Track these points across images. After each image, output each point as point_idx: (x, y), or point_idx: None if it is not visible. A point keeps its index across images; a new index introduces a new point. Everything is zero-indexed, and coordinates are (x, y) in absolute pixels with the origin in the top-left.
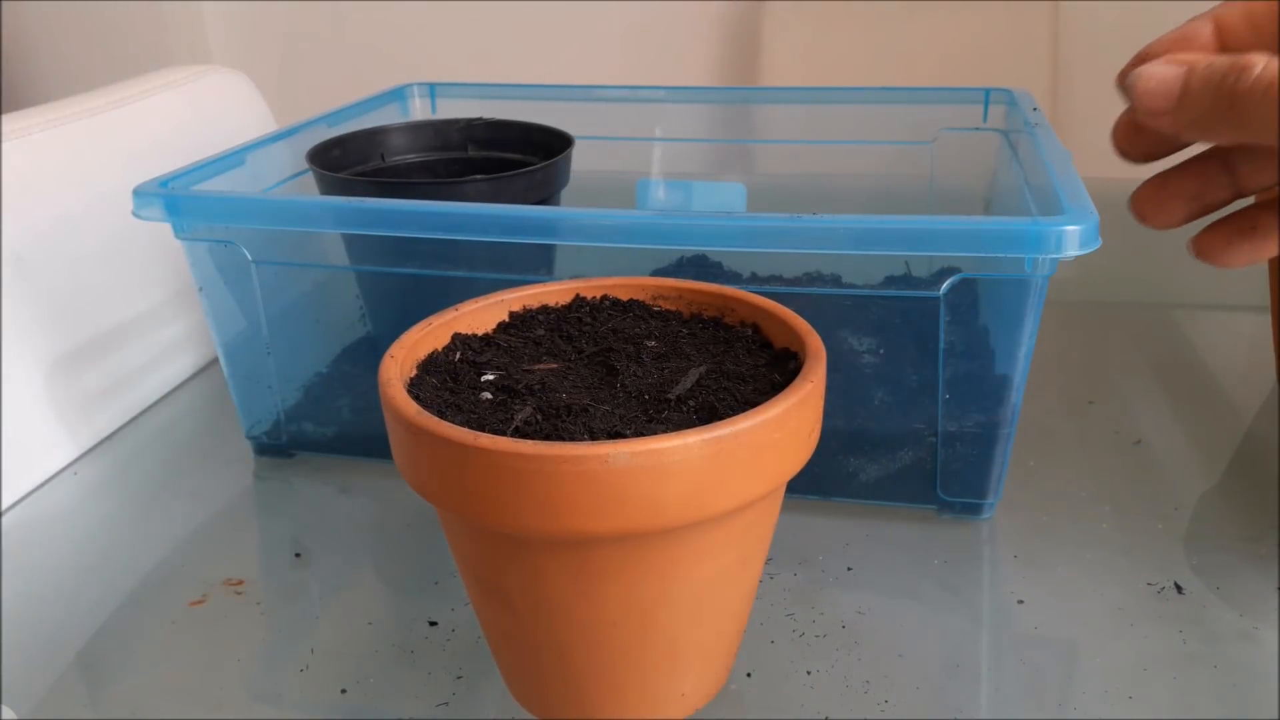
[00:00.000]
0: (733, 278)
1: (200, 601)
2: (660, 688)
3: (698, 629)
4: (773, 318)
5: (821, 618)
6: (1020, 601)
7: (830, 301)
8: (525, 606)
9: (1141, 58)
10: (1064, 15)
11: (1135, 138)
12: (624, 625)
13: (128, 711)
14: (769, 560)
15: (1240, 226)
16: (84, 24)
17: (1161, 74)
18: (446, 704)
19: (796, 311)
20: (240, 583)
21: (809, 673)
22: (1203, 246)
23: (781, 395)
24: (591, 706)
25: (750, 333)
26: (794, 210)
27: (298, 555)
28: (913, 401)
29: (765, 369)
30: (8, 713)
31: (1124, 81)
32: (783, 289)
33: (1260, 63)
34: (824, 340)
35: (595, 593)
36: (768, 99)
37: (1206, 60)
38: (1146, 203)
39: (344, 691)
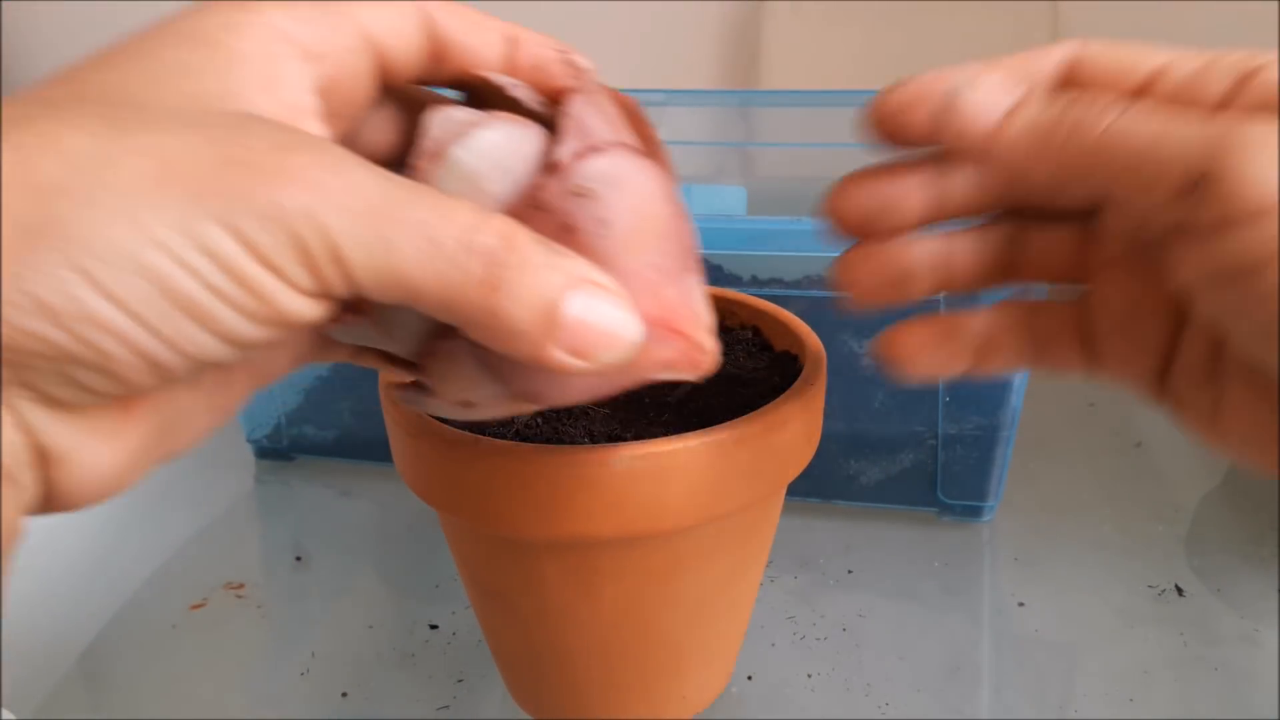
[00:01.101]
0: (733, 280)
1: (201, 605)
2: (661, 690)
3: (699, 631)
4: (773, 320)
5: (822, 620)
6: (1021, 604)
7: (830, 304)
8: (526, 609)
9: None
10: (1063, 16)
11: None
12: (625, 628)
13: (128, 714)
14: (770, 563)
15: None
16: (86, 26)
17: (999, 86)
18: (447, 707)
19: (797, 314)
20: (241, 586)
21: (810, 675)
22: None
23: (782, 398)
24: (593, 709)
25: (750, 335)
26: (794, 213)
27: (298, 559)
28: (913, 404)
29: (765, 371)
30: (8, 715)
31: (938, 95)
32: (783, 292)
33: (1118, 106)
34: (824, 343)
35: (596, 595)
36: (768, 102)
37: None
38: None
39: (345, 695)
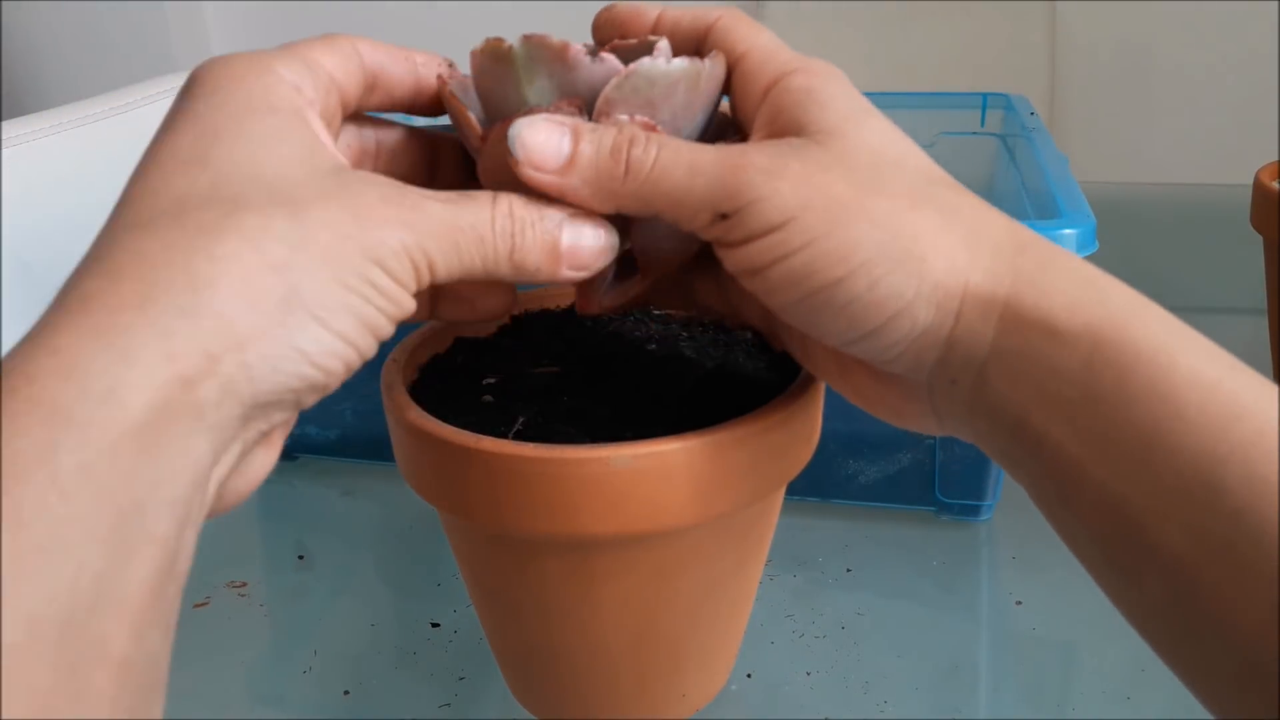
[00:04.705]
0: None
1: (204, 603)
2: (661, 688)
3: (698, 630)
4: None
5: (821, 619)
6: (1018, 602)
7: None
8: (526, 608)
9: (605, 23)
10: (1061, 20)
11: None
12: (625, 627)
13: None
14: (769, 562)
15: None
16: (86, 28)
17: (546, 132)
18: (449, 705)
19: None
20: (244, 585)
21: (808, 673)
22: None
23: (781, 398)
24: (593, 707)
25: (750, 335)
26: None
27: (301, 558)
28: None
29: (765, 372)
30: None
31: (504, 132)
32: None
33: (641, 140)
34: None
35: (596, 594)
36: None
37: (589, 126)
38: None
39: (346, 693)
